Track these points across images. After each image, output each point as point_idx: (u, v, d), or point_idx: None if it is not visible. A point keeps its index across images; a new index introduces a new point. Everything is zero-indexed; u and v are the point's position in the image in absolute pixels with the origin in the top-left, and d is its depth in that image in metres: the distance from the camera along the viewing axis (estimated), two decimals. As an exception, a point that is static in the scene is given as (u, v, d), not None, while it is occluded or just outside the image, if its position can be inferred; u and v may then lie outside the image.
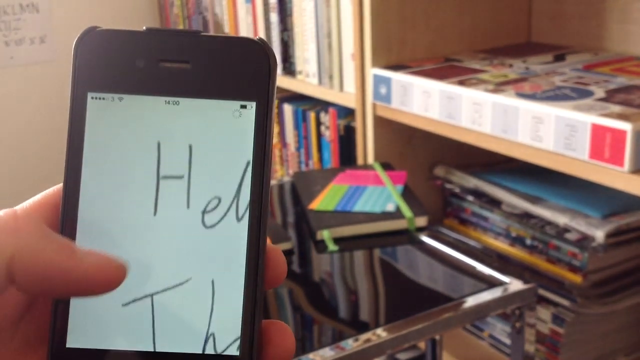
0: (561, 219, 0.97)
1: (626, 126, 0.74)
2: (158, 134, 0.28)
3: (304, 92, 1.35)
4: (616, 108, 0.80)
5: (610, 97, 0.85)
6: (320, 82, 1.28)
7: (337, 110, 1.32)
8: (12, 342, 0.26)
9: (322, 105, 1.37)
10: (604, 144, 0.76)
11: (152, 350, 0.27)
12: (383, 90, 1.08)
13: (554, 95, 0.87)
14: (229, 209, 0.28)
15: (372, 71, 1.10)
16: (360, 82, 1.14)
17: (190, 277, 0.28)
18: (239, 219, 0.28)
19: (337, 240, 0.92)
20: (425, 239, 0.93)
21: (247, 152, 0.28)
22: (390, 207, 0.96)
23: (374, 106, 1.12)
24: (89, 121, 0.28)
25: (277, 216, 1.05)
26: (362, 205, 0.97)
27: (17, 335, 0.27)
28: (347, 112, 1.31)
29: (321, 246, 0.92)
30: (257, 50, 0.29)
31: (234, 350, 0.27)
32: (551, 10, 1.21)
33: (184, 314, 0.28)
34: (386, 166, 1.10)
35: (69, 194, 0.28)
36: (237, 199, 0.28)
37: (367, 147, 1.17)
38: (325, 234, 0.92)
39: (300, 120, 1.42)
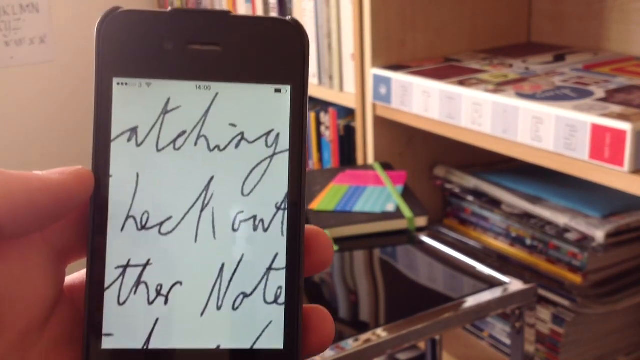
0: (561, 219, 0.97)
1: (626, 126, 0.74)
2: (189, 120, 0.27)
3: (304, 92, 1.35)
4: (616, 108, 0.80)
5: (610, 97, 0.85)
6: (320, 82, 1.28)
7: (337, 110, 1.32)
8: (40, 344, 0.26)
9: (322, 105, 1.37)
10: (604, 144, 0.76)
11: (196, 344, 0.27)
12: (383, 90, 1.08)
13: (554, 95, 0.87)
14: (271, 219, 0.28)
15: (372, 71, 1.10)
16: (360, 82, 1.14)
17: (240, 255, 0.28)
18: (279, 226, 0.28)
19: (337, 240, 0.92)
20: (425, 239, 0.93)
21: (284, 140, 0.28)
22: (390, 207, 0.96)
23: (374, 106, 1.12)
24: (115, 108, 0.27)
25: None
26: (362, 205, 0.97)
27: (45, 337, 0.26)
28: (347, 112, 1.31)
29: (321, 246, 0.91)
30: (289, 31, 0.28)
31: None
32: (551, 10, 1.21)
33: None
34: (386, 166, 1.10)
35: (98, 186, 0.27)
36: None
37: (367, 147, 1.17)
38: (325, 234, 0.92)
39: (300, 120, 1.42)
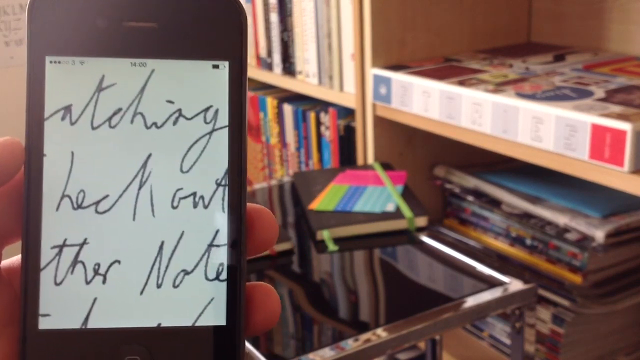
0: (561, 219, 0.97)
1: (626, 126, 0.74)
2: (125, 98, 0.27)
3: (304, 92, 1.35)
4: (616, 108, 0.80)
5: (610, 97, 0.85)
6: (320, 82, 1.28)
7: (337, 110, 1.32)
8: None
9: (322, 105, 1.37)
10: (604, 144, 0.76)
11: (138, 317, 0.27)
12: (383, 91, 1.08)
13: (554, 95, 0.87)
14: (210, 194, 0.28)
15: (372, 71, 1.10)
16: (360, 82, 1.14)
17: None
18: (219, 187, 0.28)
19: (337, 241, 0.92)
20: (425, 239, 0.93)
21: (223, 116, 0.28)
22: (390, 207, 0.96)
23: (374, 106, 1.12)
24: (48, 87, 0.27)
25: (277, 216, 1.05)
26: (362, 205, 0.97)
27: None
28: (347, 112, 1.31)
29: (321, 246, 0.92)
30: (226, 8, 0.27)
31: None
32: (551, 10, 1.21)
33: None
34: (386, 166, 1.10)
35: (32, 166, 0.27)
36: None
37: (367, 147, 1.17)
38: (325, 234, 0.92)
39: (300, 120, 1.42)
